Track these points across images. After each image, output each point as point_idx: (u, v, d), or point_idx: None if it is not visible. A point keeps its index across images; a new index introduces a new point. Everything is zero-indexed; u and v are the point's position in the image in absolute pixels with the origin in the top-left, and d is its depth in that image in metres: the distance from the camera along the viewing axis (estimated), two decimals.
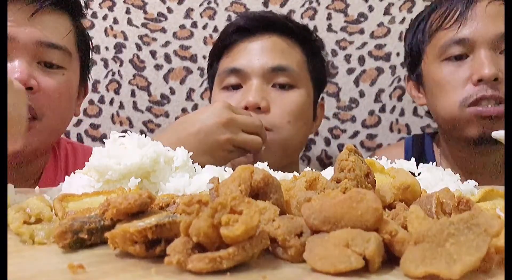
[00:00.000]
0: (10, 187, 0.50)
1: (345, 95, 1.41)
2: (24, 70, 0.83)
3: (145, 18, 1.41)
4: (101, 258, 0.36)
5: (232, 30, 1.12)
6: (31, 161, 0.94)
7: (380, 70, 1.40)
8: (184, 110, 1.41)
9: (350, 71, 1.41)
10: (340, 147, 1.41)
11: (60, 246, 0.38)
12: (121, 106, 1.41)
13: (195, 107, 1.41)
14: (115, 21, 1.41)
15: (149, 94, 1.41)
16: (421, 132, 1.39)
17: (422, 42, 1.09)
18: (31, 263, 0.35)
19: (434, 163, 0.64)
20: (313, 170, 0.50)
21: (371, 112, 1.41)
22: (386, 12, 1.40)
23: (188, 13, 1.41)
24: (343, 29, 1.41)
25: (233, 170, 0.42)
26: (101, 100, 1.41)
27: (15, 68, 0.83)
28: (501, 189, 0.50)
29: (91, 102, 1.40)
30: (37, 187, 0.66)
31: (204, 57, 1.39)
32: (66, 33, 0.92)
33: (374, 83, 1.40)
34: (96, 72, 1.40)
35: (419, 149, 1.19)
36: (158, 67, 1.41)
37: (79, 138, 1.39)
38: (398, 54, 1.39)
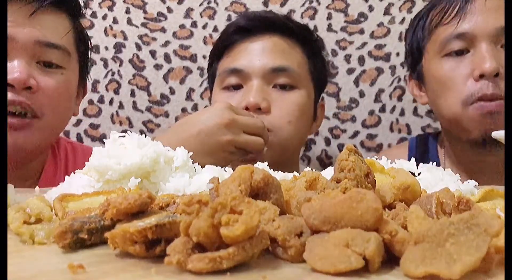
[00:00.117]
0: (10, 187, 0.50)
1: (345, 95, 1.41)
2: (24, 70, 0.83)
3: (145, 18, 1.41)
4: (101, 258, 0.36)
5: (233, 30, 1.12)
6: (30, 160, 0.94)
7: (380, 70, 1.40)
8: (184, 110, 1.41)
9: (350, 71, 1.41)
10: (340, 147, 1.41)
11: (60, 246, 0.38)
12: (121, 106, 1.41)
13: (195, 107, 1.41)
14: (115, 20, 1.41)
15: (149, 94, 1.41)
16: (421, 132, 1.39)
17: (422, 39, 1.09)
18: (31, 263, 0.35)
19: (434, 163, 0.64)
20: (313, 170, 0.50)
21: (371, 112, 1.41)
22: (386, 12, 1.40)
23: (188, 13, 1.41)
24: (343, 29, 1.41)
25: (233, 170, 0.42)
26: (101, 100, 1.41)
27: (15, 68, 0.83)
28: (501, 189, 0.50)
29: (90, 102, 1.40)
30: (37, 187, 0.66)
31: (204, 57, 1.39)
32: (65, 33, 0.92)
33: (374, 83, 1.40)
34: (96, 72, 1.40)
35: (422, 150, 1.18)
36: (158, 67, 1.41)
37: (79, 138, 1.39)
38: (398, 54, 1.39)
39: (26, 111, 0.85)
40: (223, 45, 1.13)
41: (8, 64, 0.83)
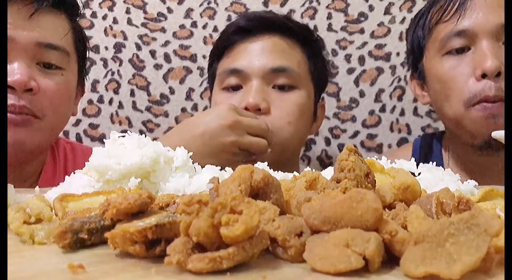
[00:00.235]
0: (10, 187, 0.50)
1: (345, 95, 1.41)
2: (24, 72, 0.83)
3: (145, 18, 1.41)
4: (101, 258, 0.36)
5: (233, 31, 1.11)
6: (30, 160, 0.94)
7: (380, 70, 1.40)
8: (183, 110, 1.41)
9: (350, 71, 1.41)
10: (340, 147, 1.41)
11: (60, 246, 0.38)
12: (121, 106, 1.41)
13: (194, 107, 1.41)
14: (115, 21, 1.41)
15: (149, 94, 1.41)
16: (421, 132, 1.39)
17: (422, 38, 1.07)
18: (31, 263, 0.35)
19: (435, 163, 0.64)
20: (313, 170, 0.50)
21: (371, 112, 1.41)
22: (387, 11, 1.40)
23: (188, 13, 1.41)
24: (343, 28, 1.41)
25: (233, 170, 0.42)
26: (100, 100, 1.41)
27: (15, 70, 0.83)
28: (501, 189, 0.50)
29: (90, 102, 1.40)
30: (37, 187, 0.65)
31: (204, 57, 1.39)
32: (65, 34, 0.92)
33: (374, 83, 1.40)
34: (96, 72, 1.40)
35: (426, 152, 1.16)
36: (157, 67, 1.41)
37: (78, 138, 1.39)
38: (398, 54, 1.39)
39: (26, 115, 0.85)
40: (223, 45, 1.13)
41: (9, 66, 0.83)
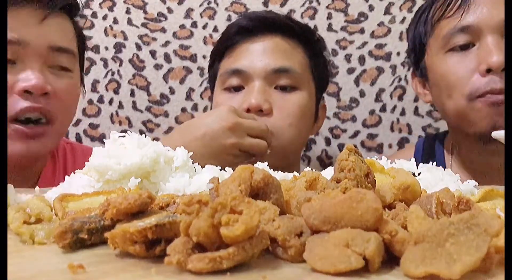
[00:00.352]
0: (10, 187, 0.50)
1: (346, 95, 1.41)
2: (40, 76, 0.84)
3: (145, 18, 1.41)
4: (101, 258, 0.36)
5: (234, 31, 1.11)
6: (34, 164, 0.94)
7: (380, 70, 1.40)
8: (183, 110, 1.41)
9: (351, 70, 1.41)
10: (341, 147, 1.41)
11: (60, 246, 0.38)
12: (121, 106, 1.41)
13: (194, 107, 1.41)
14: (115, 21, 1.41)
15: (149, 94, 1.41)
16: (422, 132, 1.39)
17: (424, 34, 1.04)
18: (31, 263, 0.35)
19: (435, 164, 0.64)
20: (313, 170, 0.50)
21: (372, 112, 1.41)
22: (387, 11, 1.40)
23: (188, 13, 1.41)
24: (343, 28, 1.41)
25: (233, 170, 0.42)
26: (100, 100, 1.41)
27: (31, 74, 0.83)
28: (501, 189, 0.50)
29: (90, 102, 1.40)
30: (37, 187, 0.65)
31: (204, 57, 1.39)
32: (71, 36, 0.93)
33: (374, 83, 1.40)
34: (96, 72, 1.40)
35: (428, 153, 1.14)
36: (157, 67, 1.41)
37: (78, 138, 1.39)
38: (398, 53, 1.39)
39: (41, 117, 0.86)
40: (225, 45, 1.12)
41: (23, 70, 0.83)
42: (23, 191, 0.57)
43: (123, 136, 0.60)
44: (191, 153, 0.63)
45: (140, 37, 1.41)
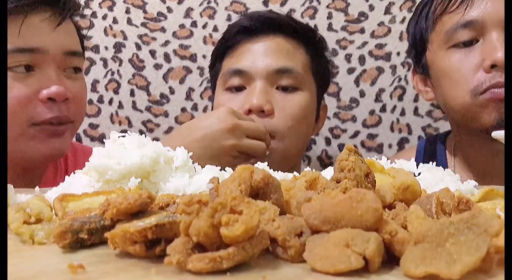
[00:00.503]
0: (10, 187, 0.50)
1: (346, 95, 1.41)
2: (60, 83, 0.85)
3: (144, 18, 1.41)
4: (101, 258, 0.36)
5: (236, 31, 1.10)
6: (46, 165, 0.96)
7: (380, 70, 1.40)
8: (183, 110, 1.41)
9: (351, 70, 1.41)
10: (341, 147, 1.41)
11: (60, 246, 0.38)
12: (120, 106, 1.41)
13: (194, 107, 1.41)
14: (115, 20, 1.41)
15: (149, 94, 1.41)
16: (422, 132, 1.39)
17: (426, 30, 1.01)
18: (31, 263, 0.35)
19: (434, 164, 0.64)
20: (313, 170, 0.50)
21: (372, 112, 1.41)
22: (387, 11, 1.40)
23: (188, 13, 1.41)
24: (343, 28, 1.41)
25: (233, 170, 0.42)
26: (100, 99, 1.41)
27: (51, 81, 0.84)
28: (501, 189, 0.50)
29: (90, 102, 1.40)
30: (37, 187, 0.65)
31: (204, 56, 1.39)
32: (78, 38, 0.94)
33: (374, 83, 1.40)
34: (96, 72, 1.40)
35: (430, 154, 1.12)
36: (157, 66, 1.41)
37: (78, 138, 1.39)
38: (398, 53, 1.39)
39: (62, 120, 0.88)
40: (226, 45, 1.12)
41: (42, 77, 0.84)
42: (23, 191, 0.57)
43: (123, 136, 0.60)
44: (191, 153, 0.63)
45: (140, 37, 1.41)
